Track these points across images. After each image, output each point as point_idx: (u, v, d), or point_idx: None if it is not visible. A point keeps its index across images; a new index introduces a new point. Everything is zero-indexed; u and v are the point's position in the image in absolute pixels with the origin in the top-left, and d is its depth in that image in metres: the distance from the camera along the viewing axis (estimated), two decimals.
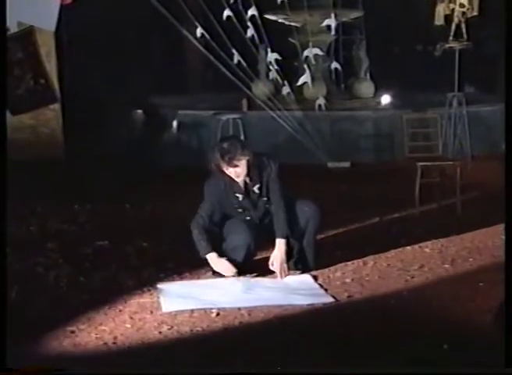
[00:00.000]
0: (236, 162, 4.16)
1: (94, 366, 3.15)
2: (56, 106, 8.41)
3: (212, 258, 4.19)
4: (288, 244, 4.27)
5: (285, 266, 4.24)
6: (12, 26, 7.60)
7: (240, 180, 4.25)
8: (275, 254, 4.24)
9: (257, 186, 4.29)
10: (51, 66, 8.32)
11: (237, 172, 4.21)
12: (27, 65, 8.24)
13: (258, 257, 4.53)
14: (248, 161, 4.19)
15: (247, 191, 4.29)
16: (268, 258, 4.36)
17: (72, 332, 3.49)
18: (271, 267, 4.26)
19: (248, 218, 4.32)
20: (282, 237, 4.23)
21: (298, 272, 4.34)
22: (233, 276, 4.20)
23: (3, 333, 2.93)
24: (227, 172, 4.23)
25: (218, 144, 4.34)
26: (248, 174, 4.25)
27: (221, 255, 4.25)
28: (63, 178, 7.17)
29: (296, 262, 4.37)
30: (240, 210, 4.31)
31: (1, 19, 4.16)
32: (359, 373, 3.00)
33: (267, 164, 4.30)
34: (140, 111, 8.96)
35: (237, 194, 4.29)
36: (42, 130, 8.41)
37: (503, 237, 4.47)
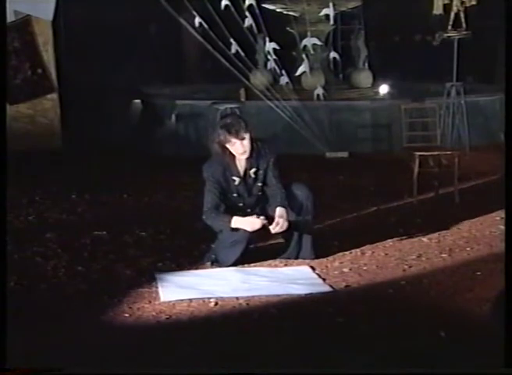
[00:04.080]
0: (243, 134, 4.17)
1: (93, 356, 3.15)
2: (54, 96, 8.40)
3: (236, 220, 4.14)
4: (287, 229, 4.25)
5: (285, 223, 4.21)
6: (9, 15, 7.58)
7: (244, 157, 4.23)
8: (278, 217, 4.18)
9: (254, 170, 4.29)
10: (48, 56, 8.30)
11: (244, 146, 4.18)
12: (24, 54, 8.21)
13: (256, 246, 4.54)
14: (251, 138, 4.21)
15: (244, 174, 4.29)
16: (263, 248, 4.37)
17: (70, 323, 3.50)
18: (274, 230, 4.19)
19: (241, 204, 4.31)
20: (282, 206, 4.22)
21: (296, 261, 4.35)
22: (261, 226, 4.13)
23: (3, 333, 2.93)
24: (232, 148, 4.19)
25: (222, 121, 4.35)
26: (250, 154, 4.24)
27: (213, 251, 4.29)
28: (61, 168, 7.17)
29: (294, 250, 4.37)
30: (234, 195, 4.30)
31: (1, 11, 4.15)
32: (359, 373, 3.01)
33: (265, 150, 4.31)
34: (138, 101, 8.94)
35: (234, 177, 4.28)
36: (40, 120, 8.40)
37: (502, 226, 4.51)
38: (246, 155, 4.24)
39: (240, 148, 4.20)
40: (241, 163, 4.29)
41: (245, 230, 4.17)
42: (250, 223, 4.16)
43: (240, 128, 4.17)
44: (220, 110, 7.56)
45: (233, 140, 4.18)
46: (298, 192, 4.33)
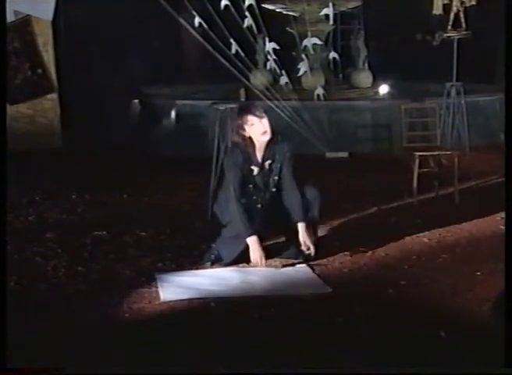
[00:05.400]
0: (262, 114, 4.21)
1: (93, 356, 3.15)
2: (54, 96, 8.40)
3: (253, 242, 4.17)
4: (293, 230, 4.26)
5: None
6: (9, 15, 7.58)
7: (265, 138, 4.22)
8: (304, 238, 4.22)
9: (269, 162, 4.29)
10: (48, 56, 8.30)
11: (264, 125, 4.19)
12: (24, 55, 8.21)
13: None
14: (269, 120, 4.24)
15: (262, 164, 4.28)
16: (265, 248, 4.37)
17: (71, 322, 3.50)
18: (306, 251, 4.24)
19: (255, 198, 4.28)
20: (303, 221, 4.25)
21: (297, 261, 4.35)
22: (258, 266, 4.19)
23: (3, 333, 2.93)
24: (252, 130, 4.19)
25: (240, 108, 4.44)
26: (270, 140, 4.23)
27: (214, 250, 4.30)
28: (61, 168, 7.16)
29: (295, 250, 4.37)
30: (250, 186, 4.27)
31: (1, 11, 4.15)
32: (359, 373, 3.00)
33: (283, 143, 4.32)
34: (138, 101, 8.94)
35: (253, 167, 4.26)
36: (40, 120, 8.40)
37: (502, 226, 4.50)
38: (267, 136, 4.22)
39: (260, 128, 4.20)
40: (260, 153, 4.28)
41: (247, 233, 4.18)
42: (257, 258, 4.18)
43: (257, 108, 4.25)
44: (220, 110, 7.55)
45: (253, 119, 4.19)
46: (306, 193, 4.33)
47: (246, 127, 4.22)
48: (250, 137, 4.25)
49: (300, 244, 4.32)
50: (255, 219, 4.22)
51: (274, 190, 4.34)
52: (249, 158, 4.27)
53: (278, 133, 4.34)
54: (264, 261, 4.20)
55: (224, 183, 4.38)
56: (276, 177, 4.32)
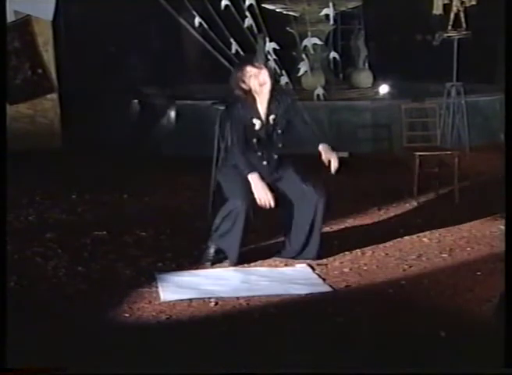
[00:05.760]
0: (261, 65, 4.23)
1: (93, 356, 3.15)
2: (54, 96, 8.40)
3: (254, 178, 4.13)
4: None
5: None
6: (9, 15, 7.57)
7: (266, 89, 4.21)
8: (328, 155, 4.17)
9: (273, 117, 4.26)
10: (48, 56, 8.29)
11: (264, 76, 4.18)
12: (24, 54, 8.21)
13: (256, 245, 4.54)
14: (270, 70, 4.26)
15: (266, 119, 4.25)
16: (264, 248, 4.37)
17: (71, 322, 3.50)
18: (334, 169, 4.18)
19: (259, 153, 4.24)
20: (324, 142, 4.21)
21: (296, 261, 4.34)
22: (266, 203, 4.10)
23: (3, 333, 2.93)
24: (253, 82, 4.18)
25: (239, 62, 4.45)
26: (271, 94, 4.22)
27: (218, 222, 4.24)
28: (61, 168, 7.16)
29: (294, 249, 4.36)
30: (254, 140, 4.23)
31: (1, 11, 4.14)
32: (359, 373, 3.00)
33: (281, 96, 4.32)
34: (137, 101, 8.94)
35: (255, 121, 4.24)
36: (40, 120, 8.40)
37: (502, 226, 4.50)
38: (267, 87, 4.21)
39: (260, 78, 4.20)
40: (263, 106, 4.26)
41: (243, 202, 4.11)
42: (261, 193, 4.10)
43: (257, 59, 4.26)
44: (220, 110, 7.55)
45: (252, 69, 4.19)
46: (311, 191, 4.28)
47: (245, 79, 4.21)
48: (250, 90, 4.24)
49: (305, 246, 4.31)
50: (261, 171, 4.19)
51: (280, 146, 4.30)
52: (250, 111, 4.24)
53: (276, 89, 4.33)
54: (270, 195, 4.10)
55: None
56: (280, 131, 4.27)
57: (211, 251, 4.32)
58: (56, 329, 3.41)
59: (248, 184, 4.14)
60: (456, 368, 2.96)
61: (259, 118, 4.25)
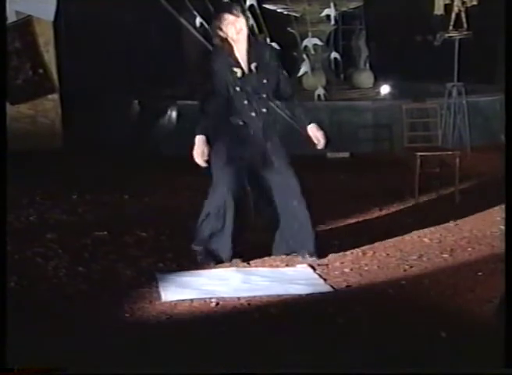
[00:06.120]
0: (238, 13, 4.20)
1: (94, 356, 3.14)
2: (55, 96, 8.40)
3: (199, 140, 4.17)
4: None
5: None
6: (10, 15, 7.57)
7: (242, 36, 4.20)
8: (315, 135, 4.35)
9: (255, 64, 4.25)
10: (49, 56, 8.30)
11: (240, 23, 4.16)
12: (26, 55, 8.21)
13: (256, 245, 4.53)
14: (247, 21, 4.30)
15: (248, 67, 4.23)
16: (261, 246, 4.37)
17: (71, 323, 3.50)
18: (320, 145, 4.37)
19: (246, 102, 4.20)
20: (312, 122, 4.37)
21: (297, 261, 4.34)
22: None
23: (3, 333, 2.93)
24: (229, 29, 4.17)
25: (217, 9, 4.45)
26: (249, 43, 4.23)
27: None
28: (62, 168, 7.16)
29: (294, 243, 4.35)
30: (237, 88, 4.20)
31: (1, 11, 4.15)
32: (359, 373, 3.00)
33: (265, 45, 4.42)
34: (138, 101, 8.94)
35: (235, 69, 4.21)
36: (41, 120, 8.40)
37: (502, 226, 4.49)
38: (244, 34, 4.21)
39: (237, 26, 4.18)
40: (241, 54, 4.23)
41: (229, 191, 4.14)
42: (198, 155, 4.17)
43: (234, 7, 4.27)
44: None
45: (229, 17, 4.18)
46: (291, 180, 4.29)
47: (223, 27, 4.20)
48: (226, 38, 4.23)
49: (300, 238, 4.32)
50: (251, 126, 4.23)
51: (265, 96, 4.29)
52: (228, 60, 4.22)
53: (258, 34, 4.41)
54: (202, 161, 4.17)
55: None
56: (265, 81, 4.26)
57: (201, 254, 4.31)
58: (56, 329, 3.40)
59: (234, 169, 4.15)
60: (456, 368, 2.96)
61: (239, 66, 4.23)
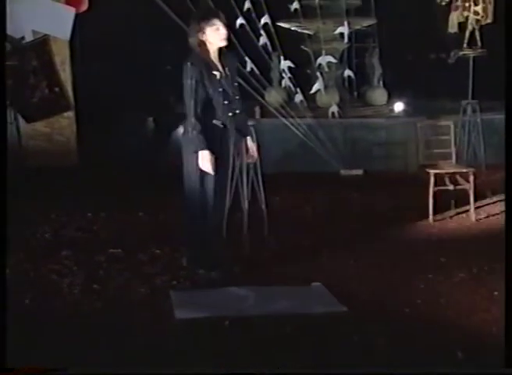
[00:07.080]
0: (223, 19, 4.25)
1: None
2: (70, 114, 8.47)
3: (205, 154, 4.19)
4: None
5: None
6: (27, 35, 7.67)
7: (223, 44, 4.27)
8: (252, 148, 4.57)
9: (228, 68, 4.33)
10: (65, 75, 8.38)
11: (226, 31, 4.23)
12: (42, 73, 8.28)
13: (267, 267, 4.52)
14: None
15: (221, 70, 4.30)
16: (276, 269, 4.35)
17: (85, 338, 3.50)
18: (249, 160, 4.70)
19: (226, 102, 4.27)
20: (250, 135, 4.58)
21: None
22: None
23: (3, 333, 2.93)
24: (214, 35, 4.22)
25: (197, 12, 4.57)
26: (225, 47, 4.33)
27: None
28: (78, 186, 7.20)
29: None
30: (220, 89, 4.25)
31: (2, 28, 4.18)
32: (360, 373, 2.98)
33: (232, 51, 4.50)
34: (153, 118, 8.99)
35: (215, 72, 4.26)
36: (57, 138, 8.47)
37: None
38: (224, 42, 4.27)
39: (222, 33, 4.24)
40: (215, 59, 4.30)
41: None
42: (202, 160, 4.20)
43: (221, 14, 4.29)
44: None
45: (219, 24, 4.22)
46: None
47: (207, 31, 4.22)
48: (204, 42, 4.25)
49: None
50: (229, 127, 4.32)
51: (238, 97, 4.39)
52: (208, 64, 4.27)
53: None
54: (208, 160, 4.20)
55: None
56: (236, 84, 4.40)
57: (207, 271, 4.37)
58: (71, 344, 3.41)
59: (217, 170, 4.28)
60: (456, 368, 2.93)
61: (217, 69, 4.29)
